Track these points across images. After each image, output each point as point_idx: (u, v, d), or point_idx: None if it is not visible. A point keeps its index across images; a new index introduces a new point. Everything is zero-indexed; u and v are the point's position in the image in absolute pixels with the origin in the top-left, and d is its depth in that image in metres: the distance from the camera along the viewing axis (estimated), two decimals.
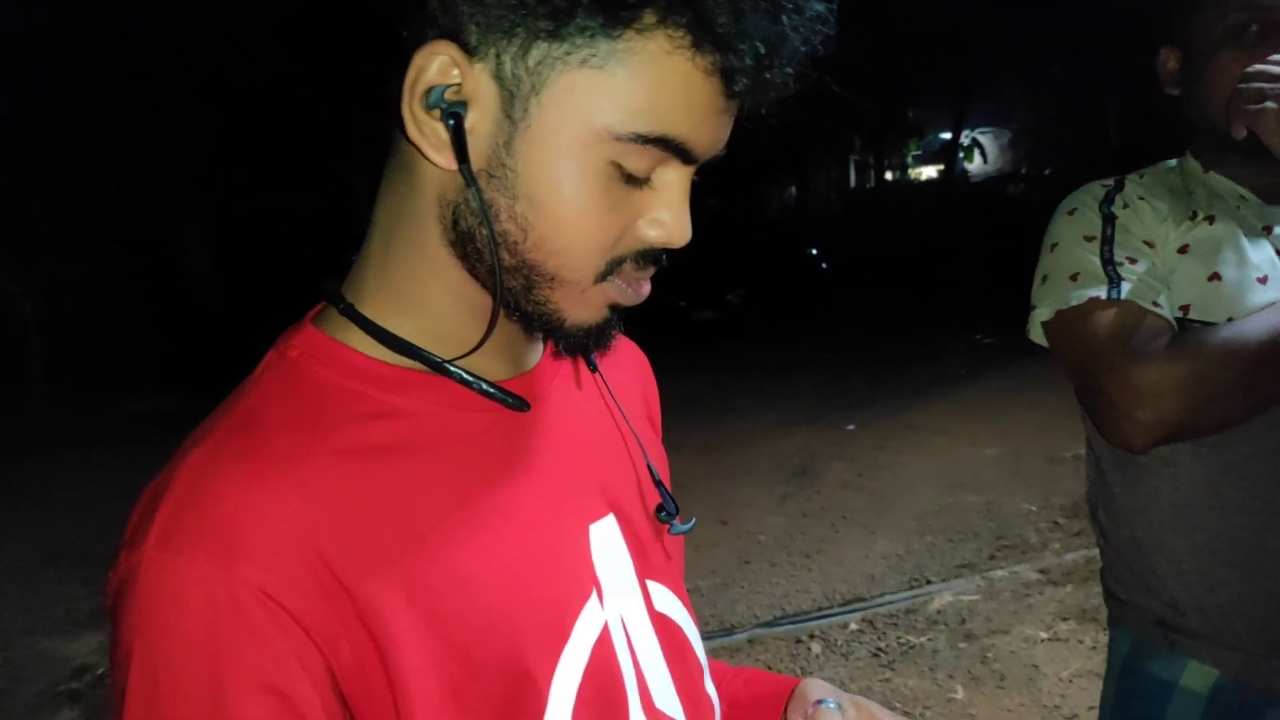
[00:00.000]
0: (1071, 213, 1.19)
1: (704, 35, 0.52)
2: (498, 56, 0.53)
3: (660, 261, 0.61)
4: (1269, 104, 0.99)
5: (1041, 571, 3.80)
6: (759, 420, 6.72)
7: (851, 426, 6.30)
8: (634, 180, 0.56)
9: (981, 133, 23.83)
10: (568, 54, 0.52)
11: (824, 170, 24.29)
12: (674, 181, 0.57)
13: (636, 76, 0.52)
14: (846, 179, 25.80)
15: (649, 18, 0.51)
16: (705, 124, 0.55)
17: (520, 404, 0.63)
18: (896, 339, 9.39)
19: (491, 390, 0.62)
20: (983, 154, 22.74)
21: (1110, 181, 1.21)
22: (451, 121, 0.53)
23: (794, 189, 22.71)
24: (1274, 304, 1.03)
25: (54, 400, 8.78)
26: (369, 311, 0.60)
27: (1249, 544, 1.10)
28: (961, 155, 21.62)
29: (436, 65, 0.53)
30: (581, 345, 0.62)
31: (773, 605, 3.83)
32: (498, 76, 0.53)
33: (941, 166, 23.56)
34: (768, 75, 0.54)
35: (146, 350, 9.54)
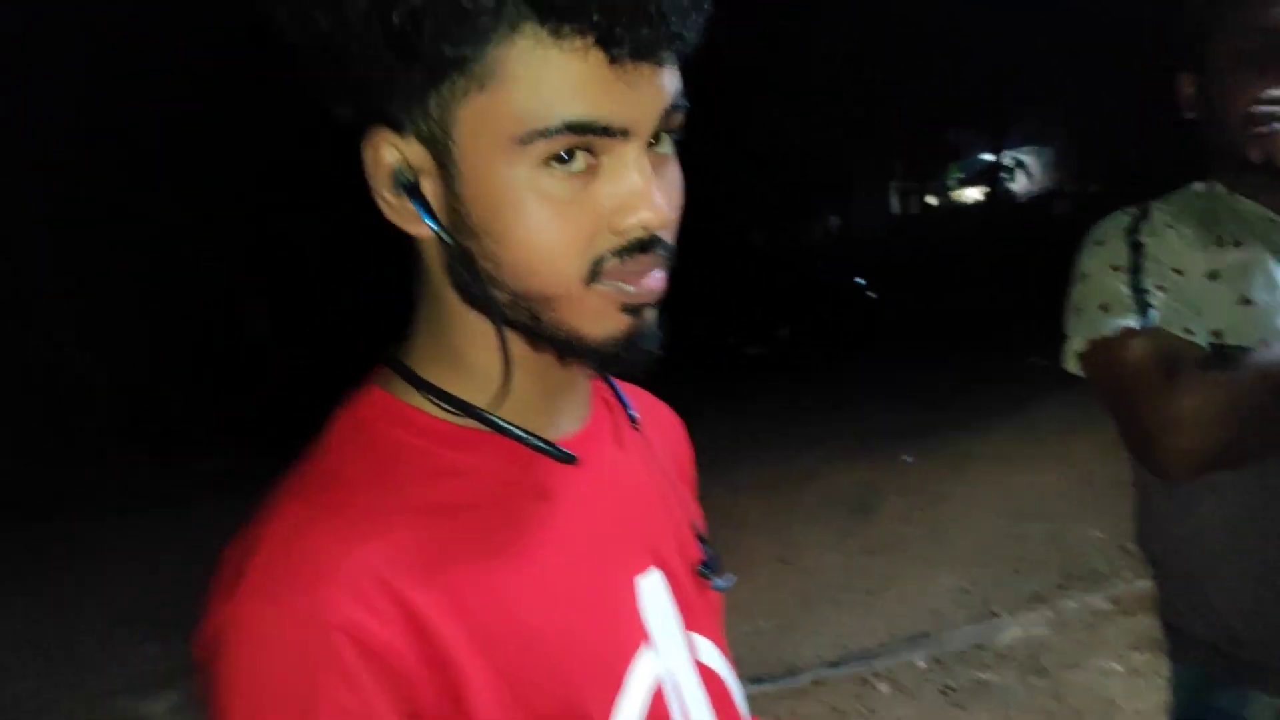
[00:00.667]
0: (1099, 243, 1.20)
1: (553, 20, 0.53)
2: (413, 122, 0.57)
3: (649, 249, 0.59)
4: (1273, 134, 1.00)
5: (1113, 601, 3.70)
6: (814, 456, 6.66)
7: (908, 458, 6.22)
8: (576, 178, 0.56)
9: (1024, 152, 23.57)
10: (451, 91, 0.55)
11: (865, 198, 24.19)
12: (618, 164, 0.57)
13: (514, 81, 0.54)
14: (889, 206, 25.67)
15: (500, 28, 0.53)
16: (606, 96, 0.55)
17: (569, 459, 0.65)
18: (949, 366, 9.26)
19: (543, 445, 0.64)
20: (1026, 173, 22.48)
21: (1136, 209, 1.21)
22: (412, 197, 0.58)
23: (836, 219, 22.66)
24: None
25: (124, 464, 9.04)
26: (426, 374, 0.64)
27: None
28: (1004, 176, 21.41)
29: (381, 150, 0.58)
30: (616, 359, 0.62)
31: (837, 645, 3.77)
32: (421, 139, 0.57)
33: (985, 188, 23.32)
34: (644, 30, 0.53)
35: (210, 414, 9.80)
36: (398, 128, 0.57)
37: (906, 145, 21.15)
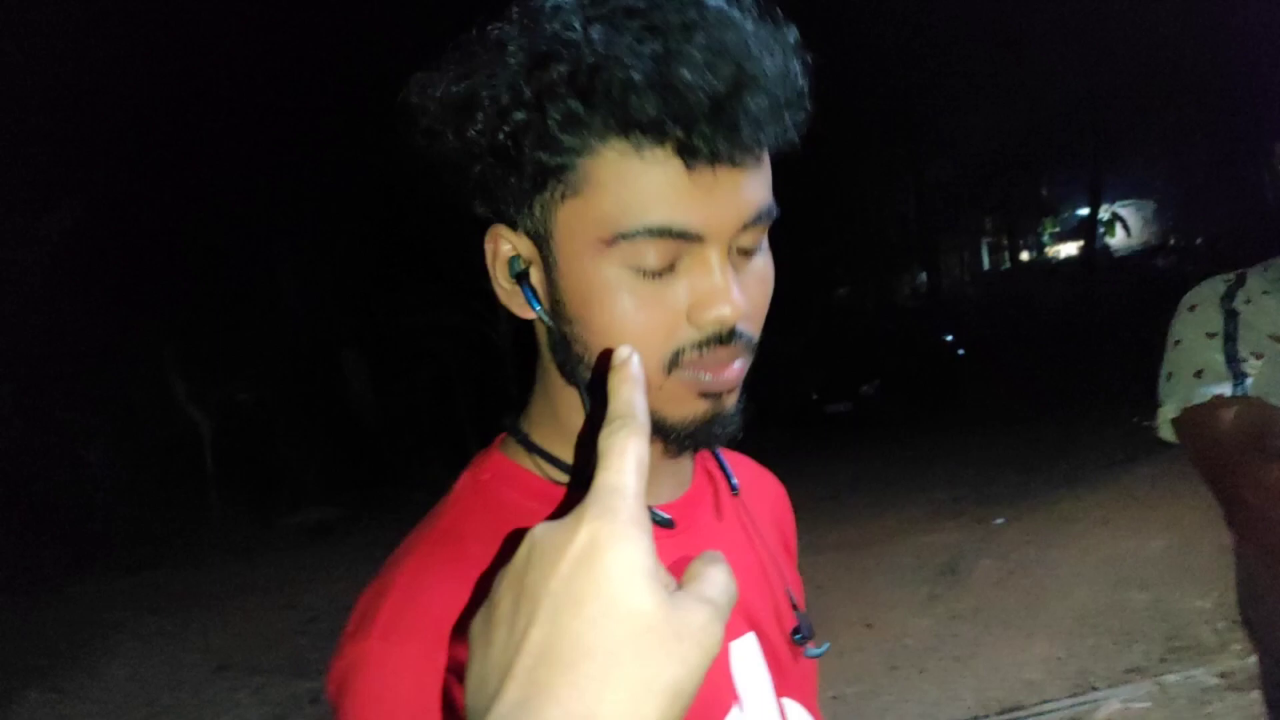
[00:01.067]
0: (1193, 309, 1.19)
1: (637, 134, 0.58)
2: (523, 220, 0.64)
3: (728, 341, 0.63)
4: None
5: (1221, 675, 3.50)
6: (901, 516, 6.51)
7: (1000, 520, 6.02)
8: (659, 275, 0.61)
9: (1122, 205, 22.92)
10: (551, 195, 0.62)
11: (955, 254, 23.82)
12: (698, 263, 0.61)
13: (602, 189, 0.60)
14: (979, 261, 25.20)
15: (589, 141, 0.59)
16: (687, 202, 0.59)
17: (667, 522, 0.70)
18: (1044, 425, 8.98)
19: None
20: (1125, 227, 21.84)
21: (1232, 276, 1.20)
22: (524, 285, 0.66)
23: (924, 274, 22.35)
24: None
25: (225, 515, 9.42)
26: (540, 440, 0.70)
27: None
28: (1101, 230, 20.82)
29: (499, 243, 0.66)
30: (695, 439, 0.66)
31: (924, 714, 3.65)
32: (530, 235, 0.64)
33: (1080, 243, 22.71)
34: (721, 140, 0.57)
35: (308, 468, 10.17)
36: (512, 225, 0.65)
37: (998, 198, 20.83)
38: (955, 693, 3.79)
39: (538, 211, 0.63)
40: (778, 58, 0.60)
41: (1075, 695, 3.59)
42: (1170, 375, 1.17)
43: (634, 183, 0.59)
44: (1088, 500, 6.09)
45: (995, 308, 18.81)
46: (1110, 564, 4.90)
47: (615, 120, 0.58)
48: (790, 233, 0.67)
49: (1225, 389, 1.08)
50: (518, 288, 0.66)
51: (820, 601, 4.69)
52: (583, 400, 0.66)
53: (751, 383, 0.68)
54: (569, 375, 0.66)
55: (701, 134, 0.57)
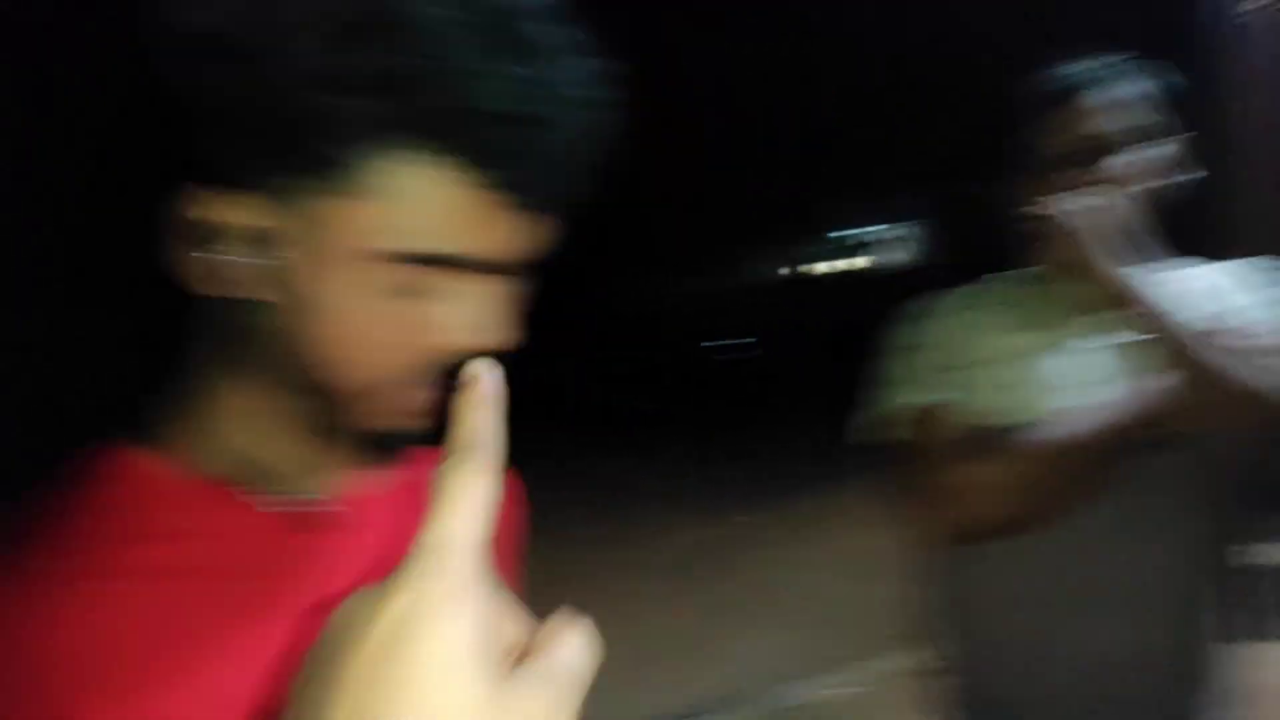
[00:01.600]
0: (900, 322, 1.28)
1: (451, 158, 0.51)
2: (267, 194, 0.53)
3: (462, 364, 0.55)
4: (1064, 232, 1.06)
5: (928, 662, 3.73)
6: (650, 513, 6.70)
7: (748, 517, 6.27)
8: (419, 294, 0.55)
9: (890, 229, 24.79)
10: (321, 186, 0.52)
11: (720, 264, 24.85)
12: (464, 292, 0.56)
13: (390, 201, 0.52)
14: (741, 273, 26.44)
15: (394, 148, 0.51)
16: (475, 234, 0.54)
17: (324, 524, 0.62)
18: (797, 429, 9.48)
19: (292, 509, 0.60)
20: (892, 248, 23.62)
21: (941, 292, 1.29)
22: (233, 257, 0.54)
23: (688, 281, 23.13)
24: (1085, 406, 1.07)
25: None
26: (181, 431, 0.59)
27: (1070, 642, 1.10)
28: (868, 249, 22.43)
29: (211, 207, 0.53)
30: (385, 449, 0.60)
31: (660, 704, 3.68)
32: (268, 211, 0.53)
33: (849, 260, 24.38)
34: (546, 188, 0.54)
35: None
36: (242, 190, 0.53)
37: (768, 212, 21.90)
38: (690, 683, 3.86)
39: (295, 194, 0.52)
40: (606, 105, 0.56)
41: (797, 681, 3.75)
42: (874, 383, 1.26)
43: (428, 204, 0.52)
44: (830, 499, 6.47)
45: (759, 318, 19.81)
46: (849, 558, 5.19)
47: (441, 139, 0.51)
48: (572, 234, 0.63)
49: (918, 397, 1.17)
50: (219, 261, 0.54)
51: (563, 598, 4.62)
52: (282, 398, 0.57)
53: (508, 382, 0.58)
54: (267, 367, 0.57)
55: (528, 176, 0.53)
